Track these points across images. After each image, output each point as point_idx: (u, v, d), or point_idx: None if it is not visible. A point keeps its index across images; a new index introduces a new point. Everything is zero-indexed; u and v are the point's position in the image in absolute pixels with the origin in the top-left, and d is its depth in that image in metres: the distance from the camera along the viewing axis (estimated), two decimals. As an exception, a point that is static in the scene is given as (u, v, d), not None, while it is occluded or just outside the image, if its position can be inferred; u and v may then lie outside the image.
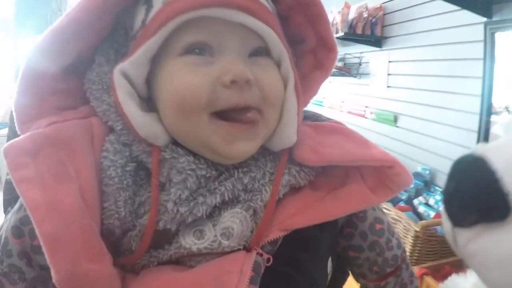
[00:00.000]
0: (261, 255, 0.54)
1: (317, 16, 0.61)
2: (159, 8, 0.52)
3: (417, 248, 1.97)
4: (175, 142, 0.56)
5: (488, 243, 0.32)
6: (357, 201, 0.59)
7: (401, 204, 2.37)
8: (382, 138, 2.98)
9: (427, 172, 2.47)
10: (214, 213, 0.55)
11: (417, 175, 2.48)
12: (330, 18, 3.19)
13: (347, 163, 0.58)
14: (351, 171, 0.60)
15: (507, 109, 2.02)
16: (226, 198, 0.55)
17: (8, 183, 0.82)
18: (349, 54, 3.49)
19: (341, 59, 3.56)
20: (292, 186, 0.59)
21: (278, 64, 0.58)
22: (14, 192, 0.82)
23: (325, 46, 0.63)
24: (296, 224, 0.56)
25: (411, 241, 1.97)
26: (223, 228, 0.54)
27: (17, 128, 0.56)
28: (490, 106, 2.03)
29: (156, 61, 0.54)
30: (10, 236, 0.56)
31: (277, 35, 0.56)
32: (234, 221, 0.54)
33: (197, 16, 0.51)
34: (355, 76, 3.44)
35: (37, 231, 0.47)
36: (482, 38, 2.05)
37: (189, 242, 0.53)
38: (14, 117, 0.56)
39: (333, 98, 3.91)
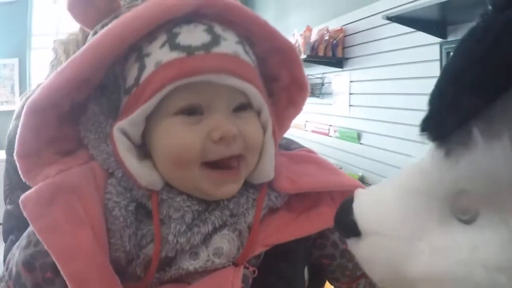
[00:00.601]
0: (248, 268, 0.62)
1: (291, 59, 0.69)
2: (152, 71, 0.58)
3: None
4: (168, 184, 0.63)
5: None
6: (327, 220, 0.65)
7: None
8: (346, 155, 3.07)
9: (392, 186, 2.56)
10: (206, 237, 0.61)
11: (382, 189, 2.57)
12: (293, 40, 3.30)
13: (320, 189, 0.68)
14: (322, 193, 0.69)
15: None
16: (217, 225, 0.61)
17: (9, 213, 0.83)
18: (311, 75, 3.60)
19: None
20: (270, 208, 0.66)
21: (258, 113, 0.65)
22: (15, 222, 0.83)
23: (298, 85, 0.71)
24: (276, 240, 0.65)
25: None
26: (215, 249, 0.61)
27: (21, 175, 0.61)
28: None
29: (150, 118, 0.60)
30: (22, 270, 0.61)
31: (259, 91, 0.62)
32: (223, 241, 0.61)
33: (189, 82, 0.56)
34: (318, 96, 3.54)
35: (63, 273, 0.54)
36: (438, 57, 2.17)
37: (186, 263, 0.60)
38: (18, 165, 0.60)
39: (297, 118, 3.97)
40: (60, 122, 0.61)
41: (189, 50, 0.57)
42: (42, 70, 4.77)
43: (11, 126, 0.85)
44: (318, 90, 3.53)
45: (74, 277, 0.54)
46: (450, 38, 2.11)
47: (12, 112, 1.06)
